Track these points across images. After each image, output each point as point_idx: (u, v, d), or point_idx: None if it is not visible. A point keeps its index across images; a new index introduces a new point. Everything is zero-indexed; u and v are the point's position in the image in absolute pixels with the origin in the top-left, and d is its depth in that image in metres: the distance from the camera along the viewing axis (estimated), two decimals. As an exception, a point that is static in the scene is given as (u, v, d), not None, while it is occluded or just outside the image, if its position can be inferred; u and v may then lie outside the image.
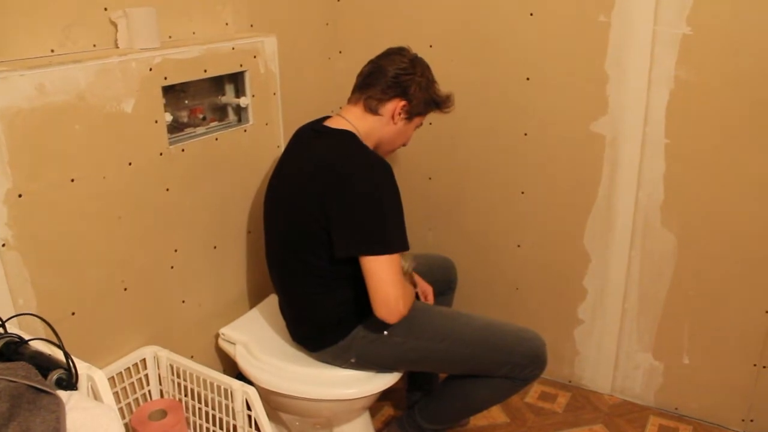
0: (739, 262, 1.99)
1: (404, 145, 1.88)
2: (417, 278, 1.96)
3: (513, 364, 1.76)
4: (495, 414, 2.25)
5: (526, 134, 2.18)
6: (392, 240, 1.59)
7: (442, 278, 2.14)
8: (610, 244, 2.16)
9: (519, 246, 2.33)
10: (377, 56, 1.78)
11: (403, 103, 1.73)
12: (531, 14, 2.05)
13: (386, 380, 1.78)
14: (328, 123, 1.75)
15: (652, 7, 1.87)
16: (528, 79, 2.12)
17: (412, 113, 1.76)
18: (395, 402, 2.31)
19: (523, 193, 2.26)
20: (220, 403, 1.67)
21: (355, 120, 1.73)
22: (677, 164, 1.99)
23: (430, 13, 2.21)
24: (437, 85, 1.81)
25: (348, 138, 1.69)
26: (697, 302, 2.09)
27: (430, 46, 2.22)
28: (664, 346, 2.19)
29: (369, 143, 1.74)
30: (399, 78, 1.72)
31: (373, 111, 1.73)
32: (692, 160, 1.96)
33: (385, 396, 1.93)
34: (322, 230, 1.63)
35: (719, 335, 2.08)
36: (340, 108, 1.82)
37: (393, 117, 1.75)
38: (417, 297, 1.92)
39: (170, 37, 1.80)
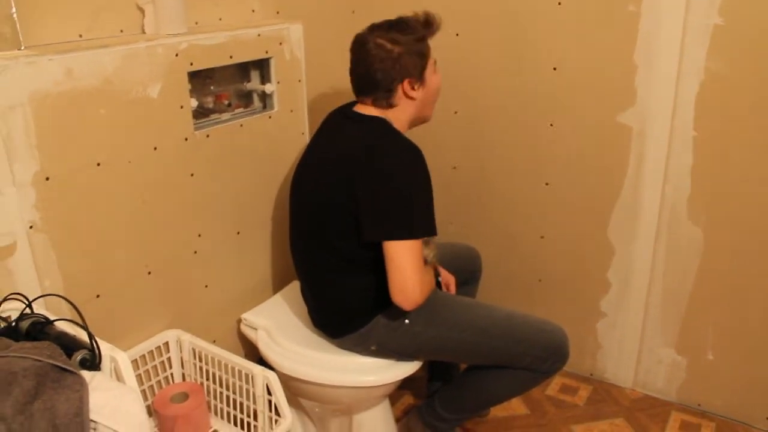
0: (766, 257, 1.96)
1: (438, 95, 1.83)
2: (439, 268, 1.96)
3: (534, 356, 1.75)
4: (515, 405, 2.25)
5: (552, 125, 2.17)
6: (416, 226, 1.59)
7: (466, 268, 2.14)
8: (635, 237, 2.15)
9: (542, 237, 2.32)
10: (352, 57, 1.73)
11: (406, 81, 1.70)
12: (559, 3, 2.03)
13: (406, 369, 1.79)
14: (359, 109, 1.75)
15: (683, -3, 1.85)
16: (555, 69, 2.11)
17: (420, 77, 1.72)
18: (415, 391, 2.32)
19: (547, 184, 2.25)
20: (240, 388, 1.69)
21: (380, 112, 1.73)
22: (705, 157, 1.97)
23: (457, 1, 2.20)
24: (409, 33, 1.71)
25: (379, 123, 1.69)
26: (722, 297, 2.07)
27: (457, 35, 2.22)
28: (688, 341, 2.17)
29: (404, 125, 1.74)
30: (386, 69, 1.67)
31: (388, 106, 1.72)
32: (720, 154, 1.94)
33: (405, 384, 1.94)
34: (350, 215, 1.64)
35: (745, 331, 2.06)
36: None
37: (408, 96, 1.72)
38: (439, 286, 1.92)
39: (197, 23, 1.81)
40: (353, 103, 1.79)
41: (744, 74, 1.84)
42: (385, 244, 1.58)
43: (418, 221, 1.60)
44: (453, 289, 1.97)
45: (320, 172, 1.72)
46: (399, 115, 1.73)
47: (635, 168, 2.07)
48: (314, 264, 1.78)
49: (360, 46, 1.71)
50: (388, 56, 1.67)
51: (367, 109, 1.73)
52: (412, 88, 1.71)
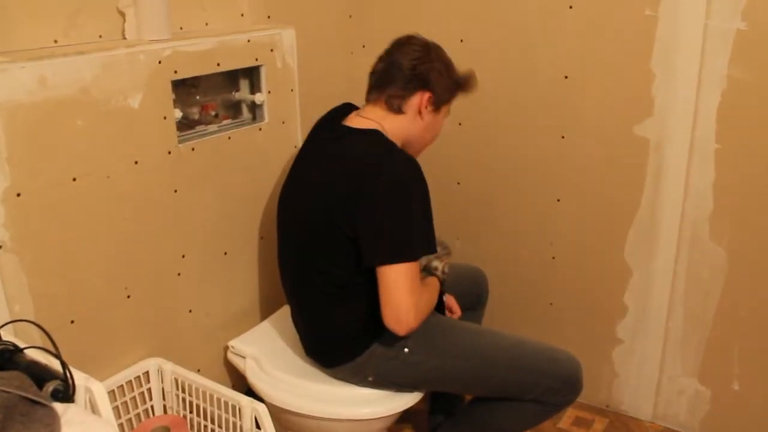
0: (795, 279, 1.96)
1: (434, 139, 1.88)
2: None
3: (545, 387, 1.74)
4: (525, 440, 2.24)
5: (563, 137, 2.17)
6: (413, 247, 1.60)
7: (471, 291, 2.13)
8: (654, 258, 2.14)
9: (554, 258, 2.32)
10: (387, 50, 1.78)
11: (427, 95, 1.73)
12: (570, 7, 2.04)
13: (406, 400, 1.78)
14: (349, 123, 1.75)
15: (704, 0, 1.86)
16: (566, 77, 2.11)
17: (439, 103, 1.76)
18: (416, 424, 2.30)
19: (559, 200, 2.24)
20: (227, 421, 1.68)
21: (379, 119, 1.73)
22: (728, 172, 1.97)
23: (461, 6, 2.21)
24: (455, 67, 1.81)
25: (373, 137, 1.69)
26: (748, 323, 2.06)
27: (461, 41, 2.22)
28: (712, 370, 2.16)
29: (398, 140, 1.74)
30: (417, 69, 1.71)
31: (397, 110, 1.73)
32: (745, 168, 1.94)
33: (405, 418, 1.93)
34: (345, 238, 1.64)
35: (773, 360, 2.05)
36: (359, 108, 1.81)
37: (420, 112, 1.74)
38: (443, 310, 1.91)
39: (181, 28, 1.82)
40: (341, 114, 1.79)
41: (769, 82, 1.85)
42: (378, 267, 1.58)
43: (415, 242, 1.61)
44: (457, 310, 1.96)
45: (312, 193, 1.72)
46: (399, 126, 1.74)
47: (653, 183, 2.07)
48: (305, 289, 1.78)
49: (407, 39, 1.76)
50: (428, 59, 1.73)
51: (361, 121, 1.73)
52: (426, 106, 1.74)
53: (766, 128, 1.88)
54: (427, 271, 1.80)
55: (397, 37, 1.79)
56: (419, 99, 1.73)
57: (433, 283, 1.77)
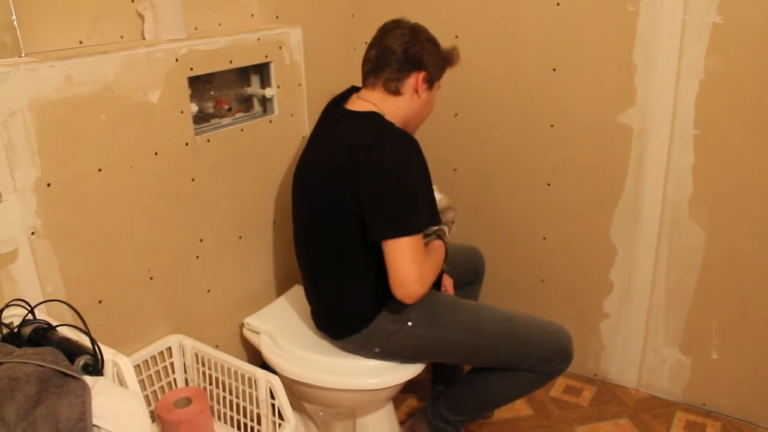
0: (769, 255, 1.96)
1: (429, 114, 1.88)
2: None
3: (538, 357, 1.75)
4: (519, 407, 2.25)
5: (552, 125, 2.17)
6: (416, 221, 1.59)
7: (469, 268, 2.14)
8: (638, 237, 2.15)
9: (545, 238, 2.32)
10: (376, 37, 1.75)
11: (422, 74, 1.72)
12: (558, 4, 2.04)
13: (410, 371, 1.79)
14: (352, 105, 1.75)
15: (682, -4, 1.85)
16: (554, 69, 2.11)
17: (432, 80, 1.76)
18: (419, 393, 2.32)
19: (549, 185, 2.25)
20: (244, 392, 1.69)
21: (378, 102, 1.73)
22: (706, 156, 1.97)
23: (455, 4, 2.21)
24: (439, 46, 1.79)
25: (373, 119, 1.69)
26: (725, 296, 2.06)
27: (456, 37, 2.22)
28: (692, 340, 2.17)
29: (397, 123, 1.73)
30: (409, 51, 1.70)
31: (395, 92, 1.72)
32: (722, 152, 1.94)
33: (409, 387, 1.94)
34: (351, 215, 1.64)
35: (749, 330, 2.06)
36: (359, 91, 1.81)
37: (416, 91, 1.74)
38: (438, 286, 1.92)
39: (196, 28, 1.82)
40: (346, 98, 1.79)
41: (744, 72, 1.84)
42: (383, 242, 1.59)
43: (417, 216, 1.60)
44: (451, 290, 1.97)
45: (320, 173, 1.72)
46: (398, 107, 1.73)
47: (636, 168, 2.07)
48: (317, 264, 1.78)
49: (394, 24, 1.75)
50: (418, 41, 1.71)
51: (361, 104, 1.73)
52: (422, 84, 1.73)
53: (741, 115, 1.88)
54: (435, 234, 1.80)
55: (384, 23, 1.77)
56: (415, 79, 1.72)
57: (439, 246, 1.77)
